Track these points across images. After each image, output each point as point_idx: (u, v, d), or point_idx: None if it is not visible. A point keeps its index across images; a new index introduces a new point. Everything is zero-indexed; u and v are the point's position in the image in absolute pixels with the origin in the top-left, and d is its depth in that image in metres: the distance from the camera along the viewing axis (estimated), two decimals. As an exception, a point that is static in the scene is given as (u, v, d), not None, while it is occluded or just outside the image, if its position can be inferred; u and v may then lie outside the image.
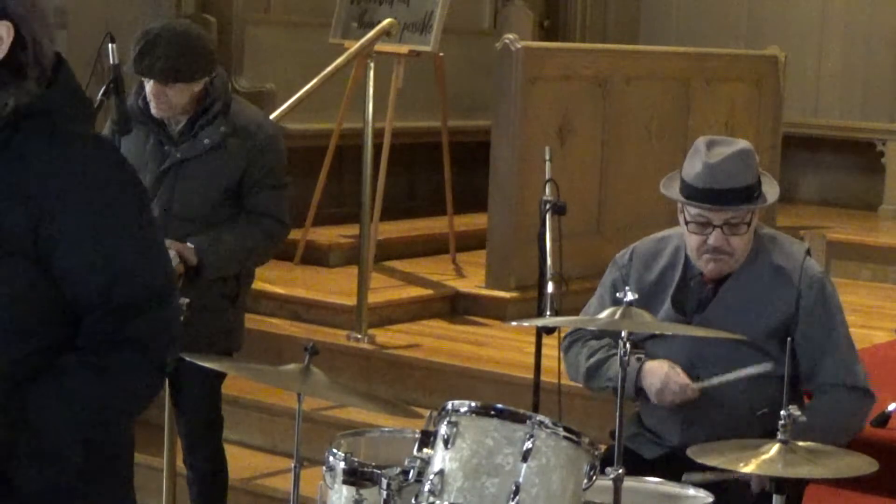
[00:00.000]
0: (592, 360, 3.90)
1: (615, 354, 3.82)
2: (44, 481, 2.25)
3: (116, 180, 2.34)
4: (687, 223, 3.79)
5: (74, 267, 2.28)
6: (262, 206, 4.41)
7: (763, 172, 3.86)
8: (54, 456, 2.25)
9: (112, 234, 2.31)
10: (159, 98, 4.32)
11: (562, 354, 4.03)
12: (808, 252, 3.89)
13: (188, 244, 4.29)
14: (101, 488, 2.38)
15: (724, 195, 3.70)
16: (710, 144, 3.77)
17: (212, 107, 4.37)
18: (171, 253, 4.15)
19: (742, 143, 3.81)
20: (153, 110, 4.36)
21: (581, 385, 4.00)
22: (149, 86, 4.32)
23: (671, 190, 3.83)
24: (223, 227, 4.37)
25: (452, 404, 3.18)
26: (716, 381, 3.73)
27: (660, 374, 3.75)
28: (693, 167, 3.75)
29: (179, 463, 4.62)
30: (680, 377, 3.74)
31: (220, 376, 4.44)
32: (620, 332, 3.32)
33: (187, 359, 3.62)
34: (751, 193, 3.74)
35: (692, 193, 3.74)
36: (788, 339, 3.51)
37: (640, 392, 3.80)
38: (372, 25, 6.62)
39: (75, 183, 2.28)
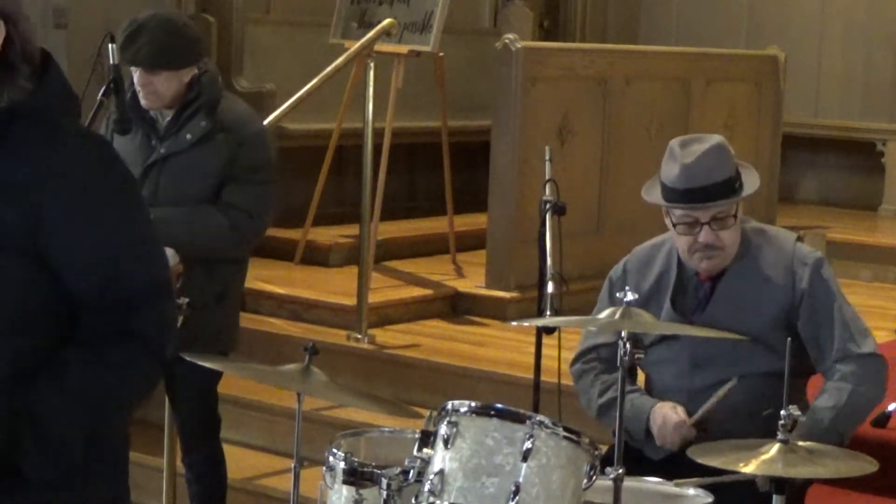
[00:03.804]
0: (605, 397, 3.89)
1: (629, 393, 3.80)
2: (51, 470, 2.28)
3: (112, 175, 2.35)
4: (675, 225, 3.79)
5: (74, 262, 2.29)
6: (232, 198, 4.33)
7: (741, 163, 3.86)
8: (59, 445, 2.28)
9: (111, 228, 2.32)
10: (146, 87, 4.30)
11: (572, 379, 4.01)
12: (798, 239, 3.89)
13: None
14: (101, 478, 2.41)
15: (706, 192, 3.70)
16: (684, 144, 3.77)
17: (195, 101, 4.34)
18: (169, 252, 4.15)
19: (715, 139, 3.80)
20: (142, 101, 4.34)
21: (593, 418, 3.98)
22: (136, 75, 4.31)
23: (653, 195, 3.84)
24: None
25: (452, 404, 3.18)
26: (701, 411, 3.71)
27: (661, 415, 3.75)
28: (671, 170, 3.75)
29: (179, 463, 4.61)
30: (676, 416, 3.73)
31: (215, 376, 4.41)
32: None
33: (188, 358, 3.63)
34: (731, 185, 3.74)
35: (674, 196, 3.74)
36: (788, 339, 3.50)
37: (649, 434, 3.79)
38: (372, 25, 6.62)
39: (72, 178, 2.28)
